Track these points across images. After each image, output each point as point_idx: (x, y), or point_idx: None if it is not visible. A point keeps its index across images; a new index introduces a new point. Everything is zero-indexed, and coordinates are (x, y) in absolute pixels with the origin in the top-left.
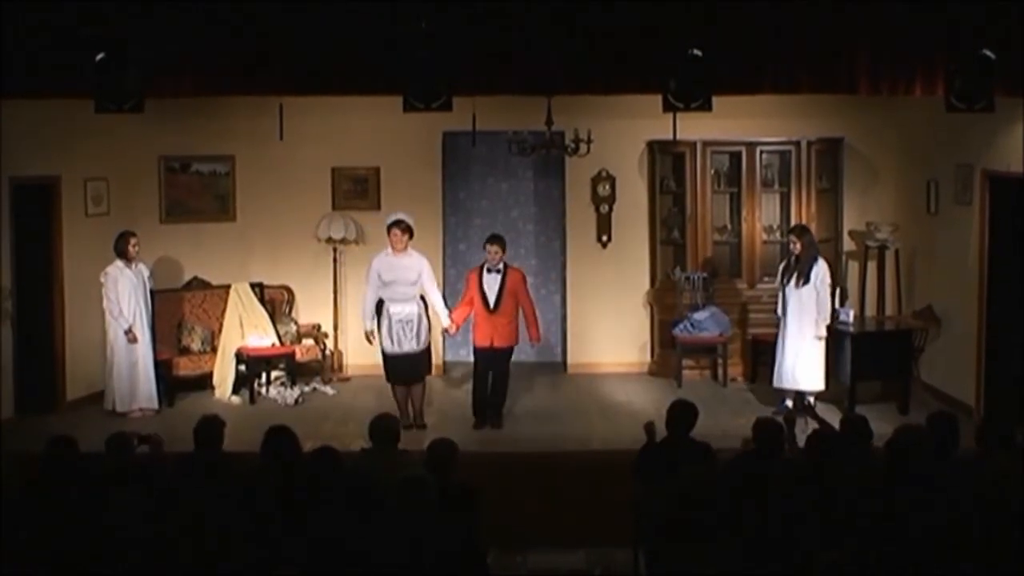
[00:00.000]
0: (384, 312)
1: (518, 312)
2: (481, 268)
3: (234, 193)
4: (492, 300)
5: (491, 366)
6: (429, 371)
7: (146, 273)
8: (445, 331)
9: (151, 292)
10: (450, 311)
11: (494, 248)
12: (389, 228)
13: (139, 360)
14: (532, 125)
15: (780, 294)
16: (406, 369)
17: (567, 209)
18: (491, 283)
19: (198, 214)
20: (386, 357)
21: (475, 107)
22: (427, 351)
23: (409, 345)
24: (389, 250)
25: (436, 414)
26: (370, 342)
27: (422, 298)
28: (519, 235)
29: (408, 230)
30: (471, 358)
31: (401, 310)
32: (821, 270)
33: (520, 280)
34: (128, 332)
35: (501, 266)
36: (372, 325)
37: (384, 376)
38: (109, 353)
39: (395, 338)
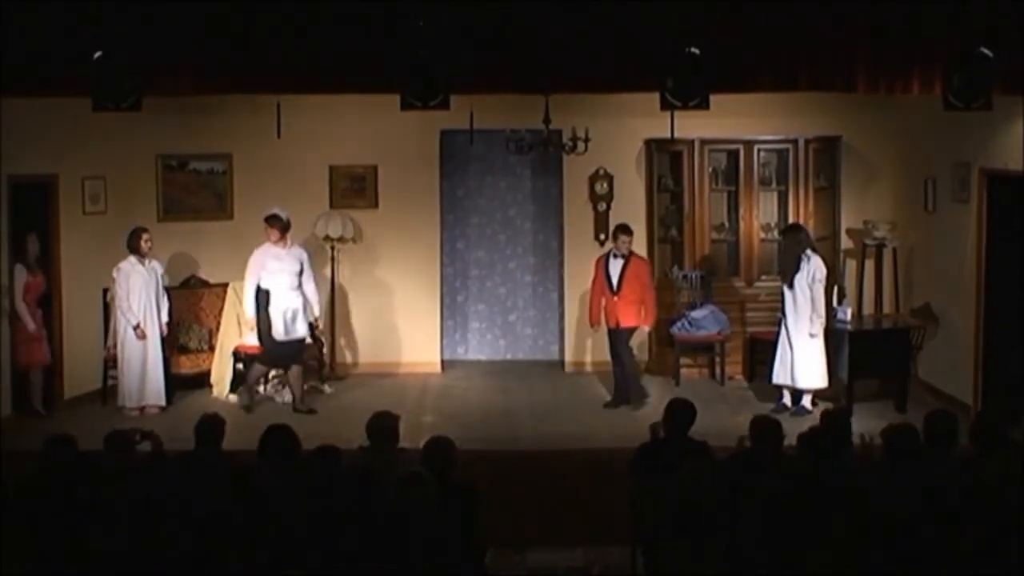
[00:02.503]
0: (272, 302)
1: (641, 296)
2: (608, 254)
3: (232, 191)
4: (615, 283)
5: (615, 347)
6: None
7: (160, 270)
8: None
9: (166, 289)
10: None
11: (626, 238)
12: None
13: (148, 356)
14: (530, 123)
15: (783, 293)
16: (290, 354)
17: (565, 207)
18: (615, 267)
19: (196, 212)
20: (275, 343)
21: (473, 105)
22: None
23: (296, 332)
24: (268, 244)
25: (436, 413)
26: (250, 330)
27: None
28: (517, 233)
29: (279, 224)
30: (469, 357)
31: (288, 304)
32: (812, 267)
33: (643, 267)
34: (136, 328)
35: (627, 253)
36: (253, 312)
37: (260, 358)
38: (119, 349)
39: (286, 326)
